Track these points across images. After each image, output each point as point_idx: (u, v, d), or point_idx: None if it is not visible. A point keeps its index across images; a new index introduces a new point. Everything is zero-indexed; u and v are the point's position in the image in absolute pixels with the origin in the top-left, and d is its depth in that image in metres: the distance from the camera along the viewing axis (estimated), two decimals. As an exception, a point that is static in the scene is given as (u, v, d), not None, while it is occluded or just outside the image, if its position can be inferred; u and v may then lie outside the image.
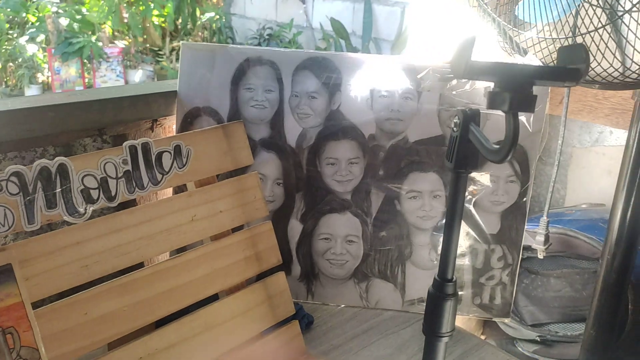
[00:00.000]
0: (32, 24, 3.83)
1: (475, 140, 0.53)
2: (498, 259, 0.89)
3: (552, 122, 1.32)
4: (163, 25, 4.12)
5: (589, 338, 0.84)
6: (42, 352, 0.57)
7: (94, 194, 0.63)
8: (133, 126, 0.88)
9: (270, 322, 0.77)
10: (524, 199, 0.87)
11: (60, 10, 3.75)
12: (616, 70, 0.62)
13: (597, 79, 0.65)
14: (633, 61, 0.62)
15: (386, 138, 0.87)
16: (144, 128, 0.89)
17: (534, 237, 0.92)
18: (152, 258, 0.71)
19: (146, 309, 0.66)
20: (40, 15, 3.77)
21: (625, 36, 0.61)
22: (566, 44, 0.65)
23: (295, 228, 0.89)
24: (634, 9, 0.58)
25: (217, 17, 4.01)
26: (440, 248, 0.82)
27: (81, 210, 0.62)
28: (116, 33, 4.06)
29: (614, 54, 0.62)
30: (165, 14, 3.98)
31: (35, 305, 0.57)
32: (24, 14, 3.79)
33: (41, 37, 3.80)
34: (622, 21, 0.60)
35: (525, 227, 0.88)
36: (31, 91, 3.71)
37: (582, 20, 0.62)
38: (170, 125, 0.91)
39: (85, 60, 3.79)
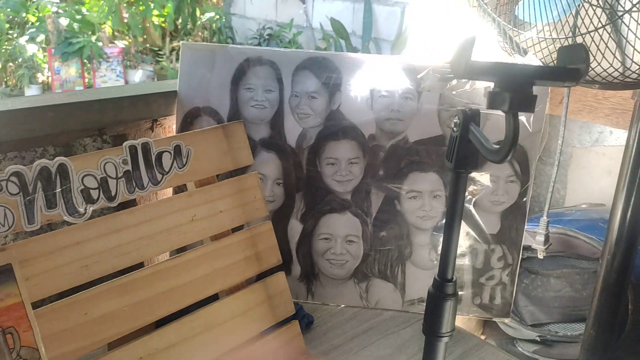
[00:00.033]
0: (32, 24, 3.83)
1: (476, 140, 0.53)
2: (498, 259, 0.89)
3: (552, 122, 1.32)
4: (163, 25, 4.12)
5: (589, 338, 0.84)
6: (42, 352, 0.57)
7: (94, 194, 0.63)
8: (133, 126, 0.88)
9: (270, 322, 0.77)
10: (524, 199, 0.87)
11: (60, 10, 3.75)
12: (616, 70, 0.62)
13: (597, 79, 0.65)
14: (633, 61, 0.62)
15: (386, 138, 0.87)
16: (144, 128, 0.89)
17: (534, 237, 0.92)
18: (152, 258, 0.71)
19: (146, 309, 0.66)
20: (40, 15, 3.77)
21: (625, 36, 0.61)
22: (566, 44, 0.65)
23: (295, 228, 0.89)
24: (634, 9, 0.58)
25: (217, 17, 4.01)
26: (440, 248, 0.82)
27: (81, 210, 0.62)
28: (116, 33, 4.06)
29: (614, 54, 0.62)
30: (165, 14, 3.98)
31: (35, 305, 0.57)
32: (24, 14, 3.79)
33: (41, 37, 3.80)
34: (622, 21, 0.60)
35: (525, 227, 0.88)
36: (31, 91, 3.71)
37: (582, 20, 0.62)
38: (170, 125, 0.91)
39: (85, 60, 3.79)
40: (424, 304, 0.65)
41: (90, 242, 0.63)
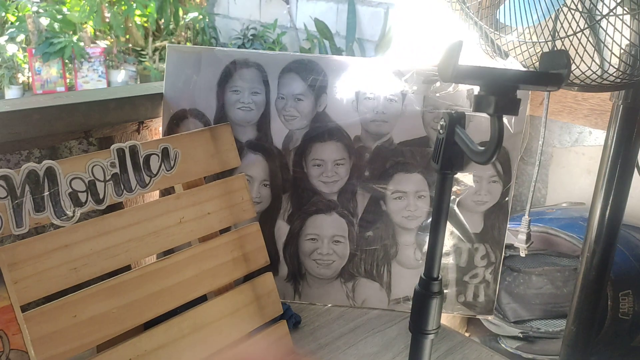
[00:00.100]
0: (12, 23, 3.78)
1: (461, 142, 0.54)
2: (481, 258, 0.90)
3: (532, 122, 1.34)
4: (145, 25, 4.09)
5: (569, 334, 0.86)
6: (32, 355, 0.57)
7: (82, 197, 0.63)
8: (119, 128, 0.88)
9: (258, 322, 0.78)
10: (506, 199, 0.89)
11: (40, 10, 3.71)
12: (594, 73, 0.64)
13: (576, 82, 0.67)
14: (610, 64, 0.63)
15: (371, 139, 0.88)
16: (131, 130, 0.89)
17: (516, 235, 0.94)
18: (140, 260, 0.72)
19: (135, 311, 0.67)
20: (20, 14, 3.72)
21: (603, 40, 0.63)
22: (546, 47, 0.66)
23: (282, 229, 0.90)
24: (611, 13, 0.60)
25: (201, 17, 4.00)
26: (425, 247, 0.83)
27: (69, 213, 0.62)
28: (98, 33, 4.02)
29: (592, 57, 0.64)
30: (148, 13, 3.95)
31: (25, 308, 0.57)
32: (3, 14, 3.74)
33: (21, 37, 3.75)
34: (600, 25, 0.62)
35: (508, 226, 0.90)
36: (11, 92, 3.66)
37: (562, 24, 0.63)
38: (156, 127, 0.92)
39: (66, 61, 3.75)
40: (410, 302, 0.66)
41: (79, 244, 0.63)
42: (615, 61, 0.63)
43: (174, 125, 0.87)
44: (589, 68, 0.64)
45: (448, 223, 0.88)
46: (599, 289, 0.83)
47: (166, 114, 0.87)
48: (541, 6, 0.65)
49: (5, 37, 3.72)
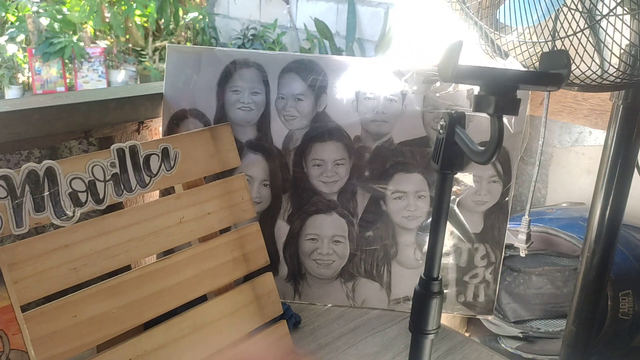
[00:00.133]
0: (12, 23, 3.78)
1: (461, 142, 0.54)
2: (481, 258, 0.90)
3: (532, 122, 1.34)
4: (145, 25, 4.09)
5: (569, 334, 0.86)
6: (32, 355, 0.57)
7: (82, 197, 0.63)
8: (119, 128, 0.88)
9: (258, 322, 0.78)
10: (506, 199, 0.89)
11: (40, 10, 3.71)
12: (594, 73, 0.64)
13: (576, 82, 0.67)
14: (610, 64, 0.63)
15: (371, 139, 0.88)
16: (131, 130, 0.89)
17: (516, 235, 0.94)
18: (140, 260, 0.72)
19: (135, 311, 0.67)
20: (20, 14, 3.72)
21: (603, 40, 0.63)
22: (546, 47, 0.66)
23: (282, 229, 0.90)
24: (611, 13, 0.60)
25: (201, 17, 4.00)
26: (425, 247, 0.83)
27: (69, 213, 0.62)
28: (98, 33, 4.02)
29: (592, 57, 0.64)
30: (148, 13, 3.95)
31: (25, 308, 0.57)
32: (3, 14, 3.74)
33: (21, 37, 3.75)
34: (600, 25, 0.62)
35: (508, 226, 0.90)
36: (11, 92, 3.66)
37: (562, 24, 0.63)
38: (156, 127, 0.92)
39: (66, 61, 3.75)
40: (410, 302, 0.66)
41: (79, 244, 0.63)
42: (615, 61, 0.63)
43: (174, 125, 0.87)
44: (589, 68, 0.64)
45: (448, 223, 0.88)
46: (599, 289, 0.83)
47: (166, 114, 0.87)
48: (541, 6, 0.65)
49: (5, 37, 3.72)
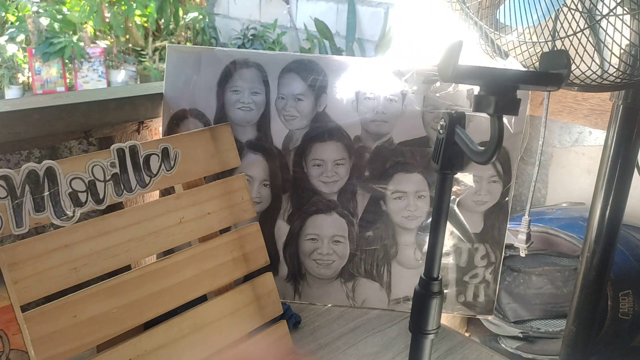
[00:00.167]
0: (12, 23, 3.78)
1: (461, 142, 0.54)
2: (481, 258, 0.90)
3: (532, 122, 1.34)
4: (145, 25, 4.10)
5: (569, 334, 0.86)
6: (32, 355, 0.57)
7: (82, 197, 0.63)
8: (119, 128, 0.88)
9: (258, 322, 0.78)
10: (506, 199, 0.89)
11: (40, 10, 3.71)
12: (594, 73, 0.64)
13: (576, 81, 0.67)
14: (610, 64, 0.63)
15: (371, 139, 0.88)
16: (131, 130, 0.89)
17: (516, 235, 0.94)
18: (140, 260, 0.72)
19: (135, 311, 0.67)
20: (20, 14, 3.72)
21: (603, 40, 0.63)
22: (546, 47, 0.66)
23: (282, 229, 0.90)
24: (611, 13, 0.60)
25: (201, 17, 4.00)
26: (425, 247, 0.83)
27: (69, 213, 0.62)
28: (98, 33, 4.02)
29: (592, 57, 0.64)
30: (148, 13, 3.95)
31: (25, 308, 0.57)
32: (3, 14, 3.74)
33: (21, 37, 3.75)
34: (600, 25, 0.62)
35: (508, 226, 0.90)
36: (11, 92, 3.66)
37: (562, 24, 0.63)
38: (156, 127, 0.92)
39: (66, 61, 3.75)
40: (410, 302, 0.66)
41: (79, 244, 0.63)
42: (615, 61, 0.63)
43: (174, 125, 0.87)
44: (589, 68, 0.64)
45: (448, 223, 0.88)
46: (599, 289, 0.83)
47: (166, 114, 0.87)
48: (541, 6, 0.65)
49: (5, 37, 3.72)
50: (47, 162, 0.60)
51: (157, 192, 0.85)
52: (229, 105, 0.86)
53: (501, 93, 0.49)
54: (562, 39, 0.64)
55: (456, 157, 0.56)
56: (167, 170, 0.71)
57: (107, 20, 3.93)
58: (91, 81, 3.87)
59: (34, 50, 3.65)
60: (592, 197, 0.80)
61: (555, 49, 0.65)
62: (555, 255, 1.12)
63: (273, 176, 0.89)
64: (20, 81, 3.79)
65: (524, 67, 0.71)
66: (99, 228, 0.65)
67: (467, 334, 1.24)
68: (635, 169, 0.79)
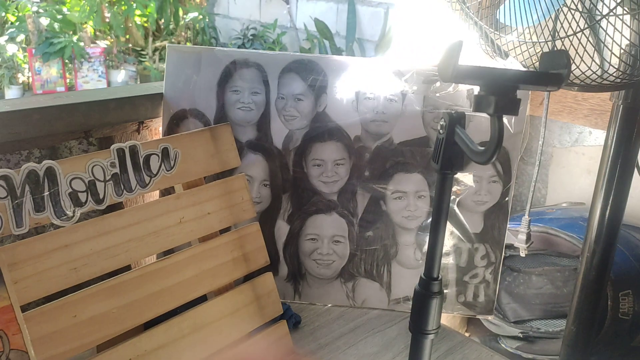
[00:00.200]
0: (12, 23, 3.78)
1: (461, 142, 0.54)
2: (481, 258, 0.90)
3: (533, 122, 1.34)
4: (145, 25, 4.10)
5: (569, 334, 0.86)
6: (32, 355, 0.57)
7: (82, 197, 0.63)
8: (119, 128, 0.88)
9: (258, 322, 0.78)
10: (506, 199, 0.89)
11: (40, 10, 3.71)
12: (594, 72, 0.64)
13: (576, 81, 0.67)
14: (610, 64, 0.63)
15: (371, 139, 0.88)
16: (130, 130, 0.89)
17: (516, 235, 0.94)
18: (140, 260, 0.72)
19: (135, 311, 0.67)
20: (20, 14, 3.72)
21: (603, 40, 0.63)
22: (546, 47, 0.66)
23: (282, 229, 0.90)
24: (611, 13, 0.60)
25: (201, 17, 4.00)
26: (425, 247, 0.83)
27: (69, 213, 0.62)
28: (98, 33, 4.02)
29: (592, 57, 0.64)
30: (148, 13, 3.95)
31: (25, 308, 0.58)
32: (3, 14, 3.74)
33: (21, 37, 3.75)
34: (600, 25, 0.62)
35: (508, 226, 0.90)
36: (11, 92, 3.66)
37: (562, 24, 0.63)
38: (156, 127, 0.92)
39: (66, 61, 3.75)
40: (410, 302, 0.66)
41: (79, 244, 0.63)
42: (615, 61, 0.63)
43: (174, 125, 0.87)
44: (589, 68, 0.64)
45: (448, 223, 0.88)
46: (599, 289, 0.83)
47: (166, 114, 0.87)
48: (541, 6, 0.65)
49: (5, 37, 3.72)
50: (47, 162, 0.60)
51: (157, 192, 0.85)
52: (229, 105, 0.86)
53: (501, 93, 0.49)
54: (562, 39, 0.64)
55: (456, 157, 0.56)
56: (167, 170, 0.71)
57: (107, 20, 3.94)
58: (91, 81, 3.87)
59: (34, 50, 3.65)
60: (592, 197, 0.80)
61: (555, 49, 0.65)
62: (555, 255, 1.12)
63: (273, 176, 0.89)
64: (20, 81, 3.79)
65: (524, 67, 0.71)
66: (99, 228, 0.65)
67: (467, 334, 1.24)
68: (635, 169, 0.79)
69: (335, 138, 0.87)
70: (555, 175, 1.35)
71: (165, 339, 0.69)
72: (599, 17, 0.61)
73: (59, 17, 3.72)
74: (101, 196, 0.65)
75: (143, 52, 4.14)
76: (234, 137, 0.83)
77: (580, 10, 0.62)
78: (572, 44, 0.64)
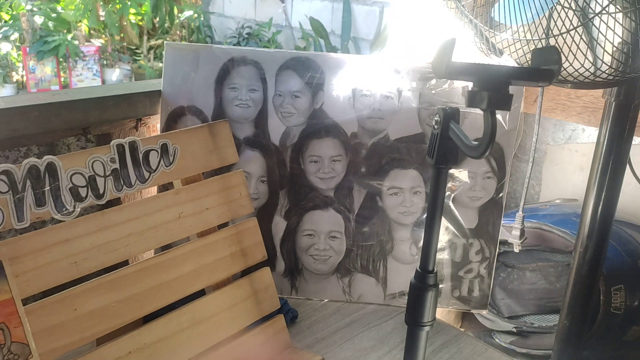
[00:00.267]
0: (6, 22, 3.77)
1: (455, 137, 0.55)
2: (476, 253, 0.91)
3: (526, 120, 1.35)
4: (140, 23, 4.09)
5: (563, 328, 0.87)
6: (33, 348, 0.57)
7: (83, 192, 0.64)
8: (117, 125, 0.88)
9: (255, 317, 0.79)
10: (501, 195, 0.90)
11: (35, 8, 3.70)
12: (587, 70, 0.65)
13: (569, 79, 0.68)
14: (603, 62, 0.65)
15: (368, 136, 0.89)
16: (129, 127, 0.90)
17: (510, 231, 0.95)
18: (140, 255, 0.72)
19: (134, 305, 0.67)
20: (14, 13, 3.71)
21: (596, 38, 0.64)
22: (540, 45, 0.67)
23: (279, 224, 0.91)
24: (604, 11, 0.61)
25: (196, 15, 3.99)
26: (420, 243, 0.84)
27: (70, 208, 0.63)
28: (92, 31, 4.01)
29: (585, 55, 0.65)
30: (143, 12, 3.95)
31: (26, 301, 0.58)
32: (-4, 12, 3.73)
33: (15, 36, 3.74)
34: (593, 23, 0.63)
35: (502, 221, 0.91)
36: (5, 90, 3.64)
37: (555, 22, 0.64)
38: (154, 124, 0.92)
39: (61, 59, 3.74)
40: (405, 297, 0.67)
41: (79, 239, 0.64)
42: (607, 58, 0.64)
43: (171, 122, 0.87)
44: (582, 65, 0.65)
45: (443, 218, 0.89)
46: (592, 284, 0.84)
47: (164, 111, 0.87)
48: (535, 4, 0.66)
49: (-1, 36, 3.71)
50: (48, 158, 0.61)
51: (154, 188, 0.86)
52: (227, 102, 0.87)
53: (494, 89, 0.50)
54: (556, 37, 0.65)
55: (451, 152, 0.57)
56: (166, 166, 0.72)
57: (102, 18, 3.93)
58: (85, 80, 3.86)
59: (28, 49, 3.63)
60: (585, 193, 0.81)
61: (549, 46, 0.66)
62: (549, 251, 1.13)
63: (270, 172, 0.89)
64: (15, 80, 3.78)
65: (519, 64, 0.72)
66: (99, 223, 0.66)
67: (462, 330, 1.25)
68: (627, 165, 0.80)
69: (332, 135, 0.88)
70: (548, 172, 1.36)
71: (164, 332, 0.69)
72: (591, 15, 0.62)
73: (54, 15, 3.71)
74: (101, 191, 0.65)
75: (138, 51, 4.13)
76: (232, 134, 0.84)
77: (574, 8, 0.63)
78: (565, 41, 0.65)
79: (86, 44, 3.89)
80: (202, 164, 0.77)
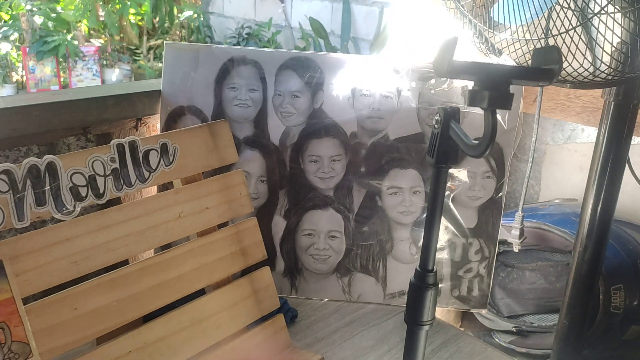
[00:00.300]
0: (6, 22, 3.77)
1: (455, 137, 0.55)
2: (475, 252, 0.92)
3: (526, 120, 1.36)
4: (140, 23, 4.09)
5: (562, 328, 0.87)
6: (33, 347, 0.58)
7: (83, 191, 0.64)
8: (117, 125, 0.88)
9: (255, 316, 0.79)
10: (500, 194, 0.90)
11: (34, 9, 3.70)
12: (586, 70, 0.65)
13: (568, 79, 0.68)
14: (602, 62, 0.65)
15: (367, 136, 0.89)
16: (128, 127, 0.90)
17: (510, 231, 0.96)
18: (140, 254, 0.72)
19: (135, 304, 0.68)
20: (14, 13, 3.71)
21: (595, 38, 0.64)
22: (539, 45, 0.67)
23: (279, 224, 0.91)
24: (603, 11, 0.61)
25: (195, 15, 3.99)
26: (420, 243, 0.84)
27: (70, 207, 0.63)
28: (92, 31, 4.01)
29: (584, 55, 0.65)
30: (143, 12, 3.95)
31: (26, 300, 0.58)
32: (-4, 12, 3.73)
33: (15, 36, 3.74)
34: (592, 23, 0.63)
35: (501, 221, 0.92)
36: (5, 90, 3.64)
37: (554, 22, 0.65)
38: (154, 124, 0.92)
39: (60, 59, 3.74)
40: (405, 296, 0.67)
41: (79, 238, 0.64)
42: (606, 58, 0.64)
43: (171, 122, 0.87)
44: (581, 65, 0.65)
45: (443, 218, 0.89)
46: (591, 284, 0.84)
47: (164, 111, 0.88)
48: (534, 4, 0.66)
49: (-1, 36, 3.71)
50: (48, 157, 0.61)
51: (154, 188, 0.86)
52: (227, 102, 0.87)
53: (495, 88, 0.50)
54: (555, 37, 0.65)
55: (451, 151, 0.57)
56: (166, 166, 0.72)
57: (102, 18, 3.93)
58: (85, 80, 3.86)
59: (27, 49, 3.63)
60: (584, 193, 0.82)
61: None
62: (548, 251, 1.13)
63: (270, 172, 0.89)
64: (14, 80, 3.78)
65: (518, 64, 0.72)
66: (99, 222, 0.66)
67: (461, 329, 1.25)
68: (627, 165, 0.80)
69: (332, 134, 0.89)
70: (548, 171, 1.37)
71: (164, 331, 0.70)
72: (590, 15, 0.62)
73: (53, 15, 3.70)
74: (101, 191, 0.65)
75: (137, 51, 4.13)
76: (232, 134, 0.84)
77: (573, 8, 0.64)
78: (564, 41, 0.65)
79: (86, 44, 3.89)
80: (202, 164, 0.77)
